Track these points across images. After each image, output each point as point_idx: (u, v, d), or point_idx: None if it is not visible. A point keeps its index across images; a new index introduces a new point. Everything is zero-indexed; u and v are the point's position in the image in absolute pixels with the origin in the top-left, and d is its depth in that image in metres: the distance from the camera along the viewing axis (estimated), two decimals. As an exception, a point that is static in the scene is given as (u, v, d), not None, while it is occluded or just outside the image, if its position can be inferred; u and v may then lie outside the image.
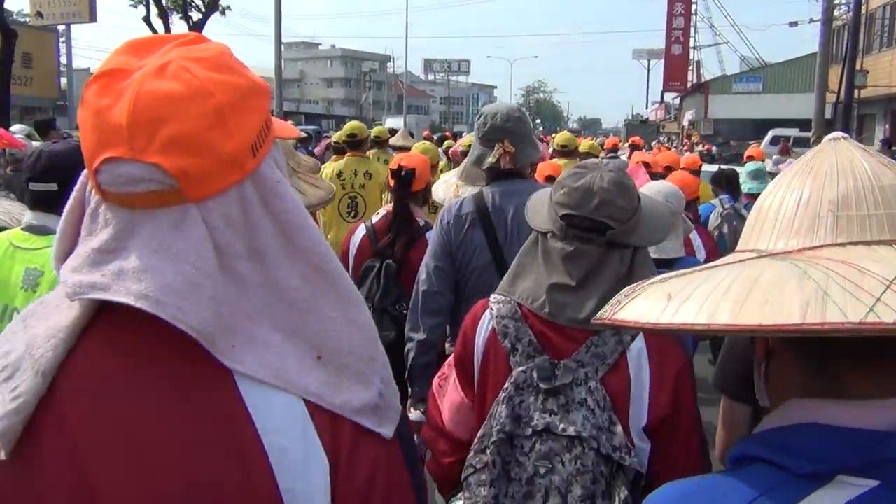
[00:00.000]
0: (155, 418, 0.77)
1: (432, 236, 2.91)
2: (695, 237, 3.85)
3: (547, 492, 1.52)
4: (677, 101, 49.25)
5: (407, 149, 6.45)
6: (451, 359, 1.84)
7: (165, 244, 0.76)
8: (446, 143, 9.26)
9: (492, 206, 2.77)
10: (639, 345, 1.57)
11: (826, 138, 0.91)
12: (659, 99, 56.17)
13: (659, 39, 44.46)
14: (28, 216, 2.16)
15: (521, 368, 1.59)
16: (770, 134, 27.80)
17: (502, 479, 1.56)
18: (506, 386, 1.59)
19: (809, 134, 27.30)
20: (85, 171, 0.81)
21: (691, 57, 43.04)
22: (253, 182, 0.81)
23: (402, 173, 3.41)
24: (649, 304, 0.80)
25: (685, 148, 29.91)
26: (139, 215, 0.77)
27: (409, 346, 2.76)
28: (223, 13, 23.78)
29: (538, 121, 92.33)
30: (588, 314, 1.55)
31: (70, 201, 0.84)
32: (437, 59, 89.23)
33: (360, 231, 3.48)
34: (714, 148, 22.10)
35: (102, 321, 0.80)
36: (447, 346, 2.90)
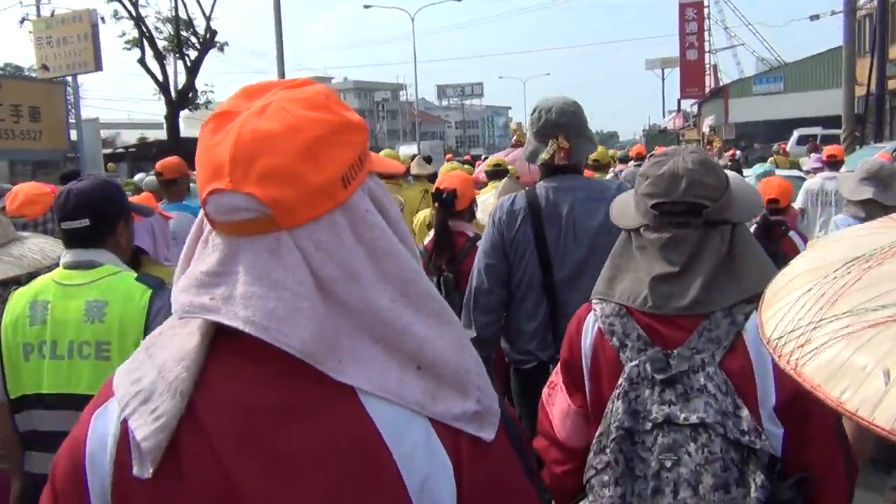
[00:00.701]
0: (289, 431, 0.84)
1: (484, 233, 2.85)
2: (797, 241, 3.99)
3: (676, 485, 1.48)
4: (695, 108, 48.47)
5: (425, 176, 6.77)
6: (558, 366, 1.82)
7: (266, 271, 0.84)
8: (465, 167, 9.59)
9: (545, 203, 2.70)
10: (755, 322, 1.43)
11: None
12: (676, 107, 55.46)
13: (672, 47, 43.85)
14: (67, 255, 2.21)
15: (633, 363, 1.56)
16: (795, 134, 26.98)
17: (627, 477, 1.53)
18: (619, 382, 1.57)
19: (838, 131, 26.64)
20: None
21: (707, 61, 42.34)
22: (343, 211, 0.87)
23: (444, 196, 3.44)
24: (856, 372, 0.58)
25: (710, 154, 29.01)
26: (242, 242, 0.85)
27: None
28: (221, 49, 23.56)
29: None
30: (693, 299, 1.53)
31: (192, 231, 0.93)
32: (449, 84, 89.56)
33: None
34: (738, 153, 21.37)
35: (223, 345, 0.87)
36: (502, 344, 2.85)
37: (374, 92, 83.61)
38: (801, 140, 25.02)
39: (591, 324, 1.69)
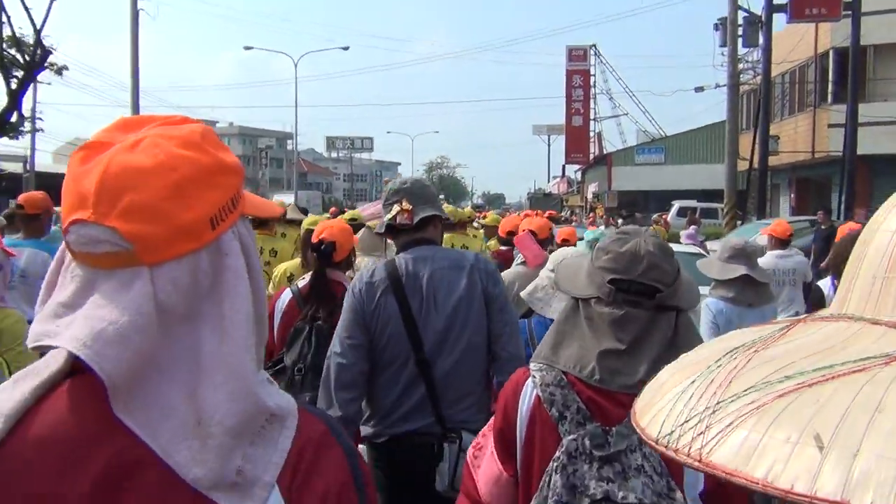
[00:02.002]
0: (98, 467, 0.81)
1: (344, 306, 2.81)
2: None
3: None
4: (579, 174, 48.95)
5: (298, 222, 6.95)
6: (485, 428, 1.81)
7: (112, 299, 0.82)
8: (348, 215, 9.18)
9: (405, 274, 2.74)
10: None
11: None
12: (561, 173, 56.18)
13: (558, 114, 44.15)
14: None
15: (571, 436, 1.55)
16: (676, 205, 26.97)
17: None
18: (557, 455, 1.55)
19: (715, 205, 26.89)
20: None
21: (592, 129, 42.74)
22: (209, 252, 0.86)
23: (322, 247, 3.47)
24: (779, 446, 0.54)
25: (589, 221, 28.93)
26: (100, 274, 0.83)
27: None
28: (59, 73, 20.92)
29: (442, 196, 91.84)
30: (640, 378, 1.53)
31: (53, 262, 0.90)
32: (339, 136, 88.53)
33: (287, 295, 3.52)
34: (620, 221, 20.80)
35: (80, 375, 0.84)
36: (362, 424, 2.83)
37: (259, 138, 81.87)
38: (681, 212, 24.91)
39: (529, 391, 1.66)
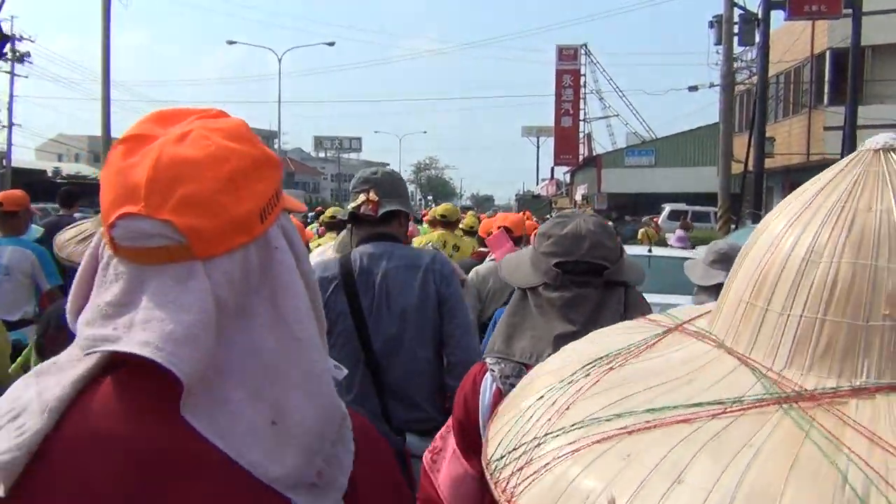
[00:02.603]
0: (159, 463, 0.79)
1: None
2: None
3: None
4: (568, 176, 48.30)
5: None
6: (442, 430, 1.79)
7: (171, 297, 0.80)
8: (323, 216, 9.44)
9: (358, 270, 2.68)
10: None
11: (869, 145, 0.63)
12: (549, 175, 55.55)
13: (547, 116, 43.51)
14: None
15: None
16: (667, 208, 26.38)
17: None
18: None
19: (707, 208, 26.27)
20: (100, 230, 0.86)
21: (582, 130, 42.02)
22: (258, 246, 0.85)
23: None
24: (580, 500, 0.54)
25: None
26: (149, 270, 0.81)
27: None
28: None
29: (430, 197, 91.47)
30: None
31: (85, 260, 0.88)
32: (326, 136, 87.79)
33: None
34: (610, 224, 20.08)
35: (119, 369, 0.83)
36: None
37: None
38: (673, 215, 24.30)
39: (488, 384, 1.63)
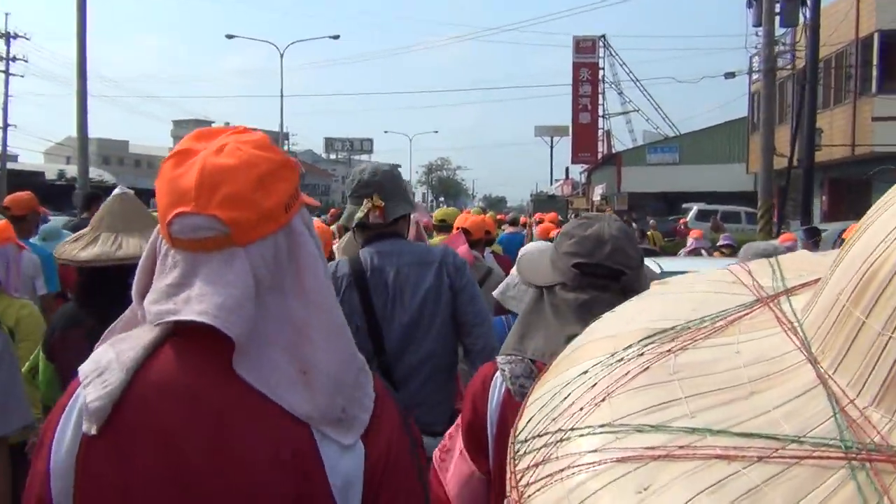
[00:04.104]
0: (223, 413, 1.03)
1: None
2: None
3: None
4: (584, 176, 46.35)
5: None
6: (451, 429, 1.80)
7: (219, 276, 1.02)
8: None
9: (369, 269, 2.69)
10: None
11: None
12: (564, 175, 53.74)
13: (560, 115, 41.65)
14: None
15: None
16: (694, 208, 24.55)
17: None
18: None
19: (739, 208, 24.43)
20: (157, 226, 1.10)
21: (601, 126, 40.00)
22: (285, 233, 1.08)
23: None
24: (608, 499, 0.48)
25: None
26: (200, 257, 1.04)
27: None
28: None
29: (441, 199, 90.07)
30: None
31: (145, 251, 1.11)
32: (337, 137, 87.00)
33: None
34: (633, 225, 18.48)
35: (177, 340, 1.07)
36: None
37: (253, 138, 79.64)
38: (701, 216, 22.46)
39: (498, 384, 1.63)
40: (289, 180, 1.08)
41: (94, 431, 0.99)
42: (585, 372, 0.56)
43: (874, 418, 0.44)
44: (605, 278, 1.58)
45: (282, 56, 38.19)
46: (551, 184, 61.24)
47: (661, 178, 33.48)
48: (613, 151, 39.01)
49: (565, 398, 0.55)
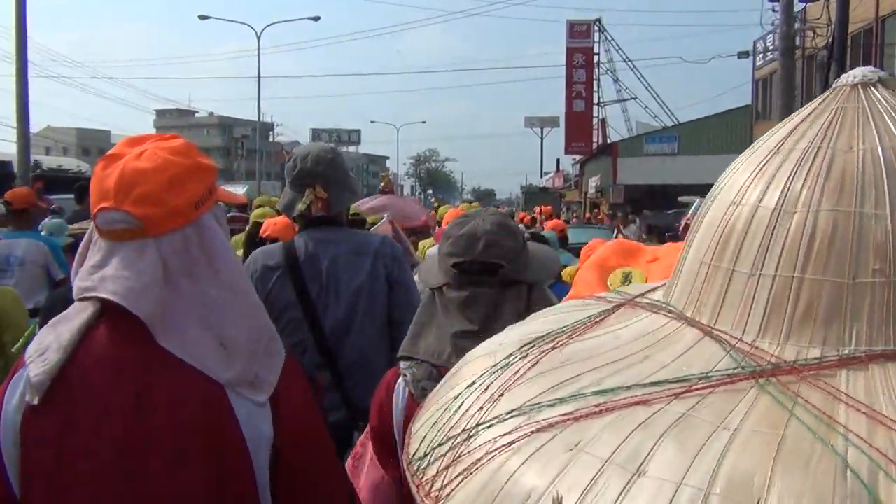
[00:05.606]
0: (149, 378, 1.21)
1: None
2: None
3: None
4: (576, 167, 44.70)
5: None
6: (362, 437, 1.85)
7: (131, 262, 1.21)
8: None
9: (304, 256, 2.64)
10: None
11: (844, 80, 0.58)
12: (555, 167, 52.15)
13: (552, 103, 39.96)
14: None
15: None
16: (697, 201, 22.82)
17: None
18: None
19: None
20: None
21: (595, 114, 38.35)
22: (194, 227, 1.27)
23: (266, 244, 3.63)
24: (519, 501, 0.46)
25: (588, 220, 24.82)
26: (117, 245, 1.24)
27: None
28: None
29: (430, 191, 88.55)
30: None
31: (83, 241, 1.30)
32: (325, 128, 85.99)
33: None
34: (513, 221, 16.88)
35: (107, 317, 1.23)
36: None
37: (238, 128, 78.43)
38: (703, 209, 20.91)
39: (401, 389, 1.67)
40: (200, 181, 1.29)
41: (35, 402, 1.18)
42: (472, 384, 0.57)
43: (764, 345, 0.48)
44: (482, 274, 1.63)
45: (258, 38, 36.39)
46: (541, 176, 59.70)
47: (658, 169, 31.83)
48: (608, 141, 37.29)
49: (458, 408, 0.55)
